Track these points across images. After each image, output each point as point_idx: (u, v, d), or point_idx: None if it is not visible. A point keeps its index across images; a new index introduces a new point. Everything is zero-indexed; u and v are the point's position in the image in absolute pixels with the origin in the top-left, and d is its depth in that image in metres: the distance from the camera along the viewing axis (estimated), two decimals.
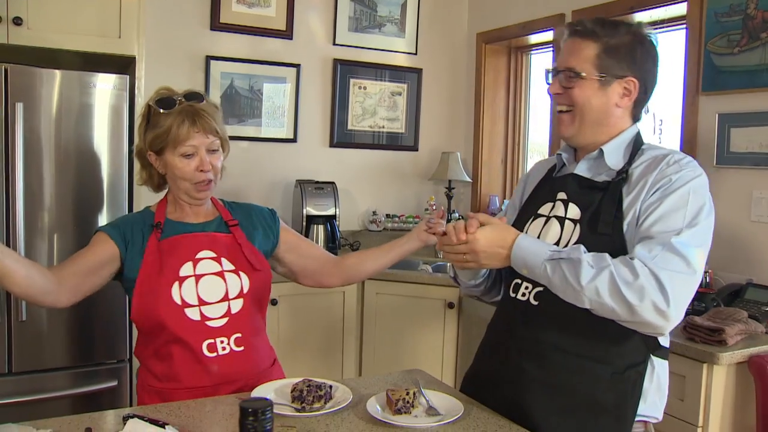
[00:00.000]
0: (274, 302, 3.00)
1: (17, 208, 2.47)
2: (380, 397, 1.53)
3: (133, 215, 1.84)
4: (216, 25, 3.53)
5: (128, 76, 2.68)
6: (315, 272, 1.95)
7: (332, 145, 3.91)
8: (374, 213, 3.98)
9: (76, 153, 2.60)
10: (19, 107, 2.45)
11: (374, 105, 4.01)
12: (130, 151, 2.69)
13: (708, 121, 2.78)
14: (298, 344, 3.20)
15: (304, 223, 3.52)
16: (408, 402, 1.47)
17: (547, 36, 3.71)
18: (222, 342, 1.68)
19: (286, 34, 3.70)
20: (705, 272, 2.55)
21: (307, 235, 3.45)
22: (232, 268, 1.74)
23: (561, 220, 1.51)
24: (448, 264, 1.76)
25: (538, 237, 1.53)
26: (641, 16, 3.20)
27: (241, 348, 1.70)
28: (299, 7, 3.72)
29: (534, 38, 3.90)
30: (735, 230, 2.65)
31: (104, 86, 2.61)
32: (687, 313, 1.72)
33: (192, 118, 1.68)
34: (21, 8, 2.54)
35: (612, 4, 3.22)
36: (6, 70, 2.45)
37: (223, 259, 1.74)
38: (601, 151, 1.52)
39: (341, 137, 3.93)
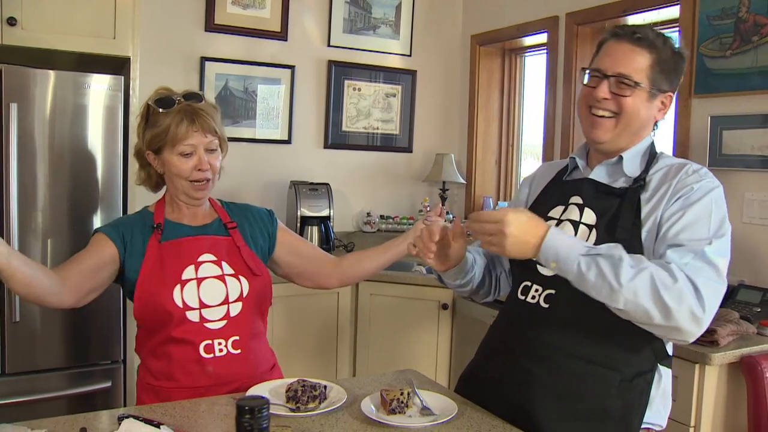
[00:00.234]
0: None
1: (11, 209, 2.46)
2: (375, 397, 1.53)
3: (131, 216, 1.84)
4: (211, 26, 3.53)
5: (123, 77, 2.68)
6: (314, 273, 1.95)
7: (326, 146, 3.92)
8: (368, 214, 3.98)
9: (71, 154, 2.59)
10: (14, 108, 2.44)
11: (369, 106, 4.02)
12: (125, 152, 2.69)
13: (700, 124, 2.80)
14: (292, 345, 3.20)
15: (299, 224, 3.52)
16: (402, 402, 1.48)
17: (541, 38, 3.72)
18: (219, 344, 1.69)
19: (281, 35, 3.70)
20: None
21: (301, 236, 3.44)
22: (232, 272, 1.75)
23: (575, 224, 1.50)
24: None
25: None
26: (634, 19, 3.22)
27: (238, 351, 1.71)
28: (294, 8, 3.73)
29: (528, 40, 3.91)
30: None
31: (99, 87, 2.61)
32: None
33: (191, 117, 1.69)
34: (15, 9, 2.54)
35: (606, 7, 3.24)
36: (0, 71, 2.44)
37: (224, 263, 1.75)
38: (621, 157, 1.52)
39: (335, 138, 3.93)
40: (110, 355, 2.71)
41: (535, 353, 1.48)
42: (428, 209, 3.95)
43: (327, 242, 3.56)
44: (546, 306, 1.49)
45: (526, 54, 4.11)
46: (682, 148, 2.85)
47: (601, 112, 1.50)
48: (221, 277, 1.73)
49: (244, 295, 1.74)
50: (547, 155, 3.61)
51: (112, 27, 2.70)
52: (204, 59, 3.52)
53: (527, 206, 1.69)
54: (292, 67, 3.75)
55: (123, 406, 2.65)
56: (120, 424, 1.32)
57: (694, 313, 1.30)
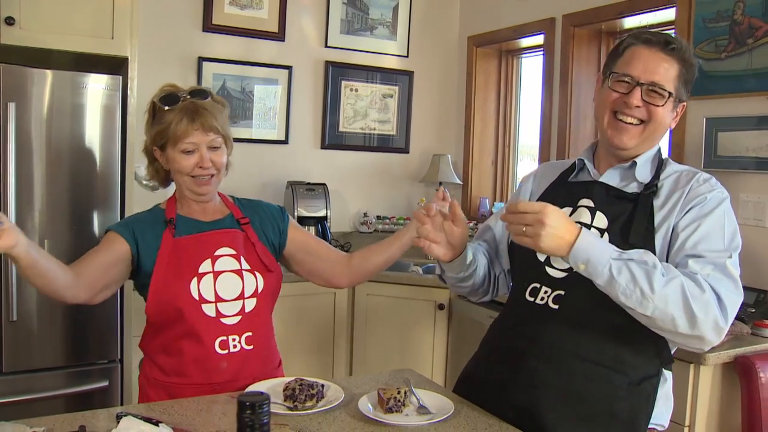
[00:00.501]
0: None
1: (8, 209, 2.45)
2: (372, 395, 1.54)
3: (142, 214, 1.83)
4: (208, 26, 3.53)
5: (121, 77, 2.68)
6: (324, 272, 1.92)
7: (323, 146, 3.93)
8: (365, 215, 3.99)
9: (68, 153, 2.59)
10: (11, 107, 2.44)
11: (365, 107, 4.03)
12: (123, 152, 2.69)
13: (696, 125, 2.81)
14: (289, 344, 3.20)
15: None
16: (399, 401, 1.49)
17: (538, 40, 3.73)
18: (234, 340, 1.69)
19: (278, 36, 3.71)
20: None
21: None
22: (249, 267, 1.75)
23: (586, 227, 1.48)
24: (436, 261, 1.71)
25: None
26: (631, 21, 3.24)
27: (251, 347, 1.71)
28: (291, 9, 3.73)
29: (525, 42, 3.92)
30: None
31: (96, 86, 2.61)
32: None
33: (191, 115, 1.69)
34: (14, 8, 2.54)
35: (602, 9, 3.25)
36: None
37: (242, 257, 1.75)
38: (634, 162, 1.53)
39: (332, 139, 3.94)
40: (107, 355, 2.71)
41: (544, 354, 1.48)
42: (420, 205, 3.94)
43: None
44: (555, 307, 1.49)
45: (523, 55, 4.12)
46: (677, 149, 2.87)
47: (629, 119, 1.49)
48: (239, 272, 1.73)
49: (259, 291, 1.74)
50: (544, 156, 3.62)
51: (110, 27, 2.70)
52: (201, 59, 3.52)
53: None
54: (289, 68, 3.76)
55: (120, 405, 2.65)
56: (118, 422, 1.32)
57: (718, 324, 1.33)
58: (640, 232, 1.45)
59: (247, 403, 1.15)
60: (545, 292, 1.52)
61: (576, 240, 1.33)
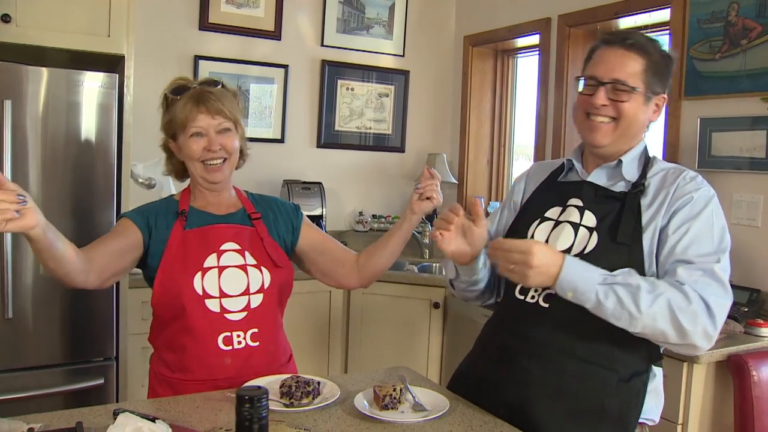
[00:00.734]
0: None
1: None
2: (367, 393, 1.55)
3: (157, 203, 1.81)
4: (205, 24, 3.53)
5: (117, 75, 2.68)
6: (335, 272, 1.90)
7: (319, 145, 3.93)
8: (360, 213, 4.00)
9: (64, 151, 2.59)
10: (7, 105, 2.44)
11: (361, 106, 4.03)
12: (119, 150, 2.69)
13: (690, 126, 2.83)
14: None
15: None
16: (395, 398, 1.50)
17: (534, 39, 3.75)
18: (238, 336, 1.67)
19: (275, 34, 3.72)
20: None
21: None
22: (255, 262, 1.73)
23: (575, 226, 1.52)
24: (445, 267, 1.71)
25: (546, 241, 1.54)
26: (626, 22, 3.25)
27: (257, 343, 1.70)
28: (288, 8, 3.74)
29: (521, 41, 3.94)
30: None
31: (92, 84, 2.61)
32: None
33: (196, 99, 1.69)
34: (10, 5, 2.53)
35: (597, 9, 3.27)
36: None
37: (247, 253, 1.73)
38: (620, 161, 1.55)
39: (328, 138, 3.95)
40: (103, 352, 2.71)
41: (535, 352, 1.50)
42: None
43: None
44: (545, 305, 1.51)
45: (519, 55, 4.14)
46: (671, 149, 2.88)
47: (600, 119, 1.52)
48: (243, 267, 1.71)
49: (266, 287, 1.73)
50: (539, 156, 3.64)
51: (106, 25, 2.70)
52: (198, 57, 3.53)
53: (522, 204, 1.71)
54: (285, 67, 3.76)
55: (116, 403, 2.65)
56: (115, 418, 1.33)
57: (707, 332, 1.37)
58: (627, 232, 1.47)
59: (246, 397, 1.16)
60: (535, 290, 1.54)
61: (560, 271, 1.38)
